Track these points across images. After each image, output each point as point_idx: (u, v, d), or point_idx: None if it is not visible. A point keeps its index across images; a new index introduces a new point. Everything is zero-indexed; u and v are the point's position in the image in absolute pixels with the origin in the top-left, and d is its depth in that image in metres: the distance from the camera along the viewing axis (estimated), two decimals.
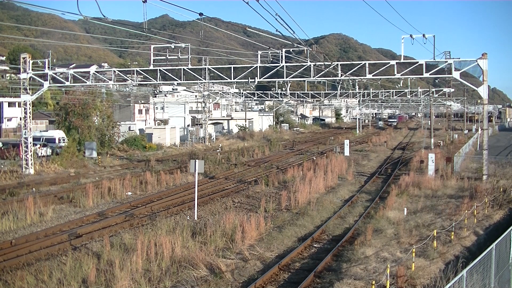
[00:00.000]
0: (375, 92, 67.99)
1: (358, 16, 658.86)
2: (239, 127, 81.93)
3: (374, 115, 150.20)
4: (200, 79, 34.66)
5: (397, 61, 31.35)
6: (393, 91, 66.44)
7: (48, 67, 37.10)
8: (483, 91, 29.56)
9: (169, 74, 33.67)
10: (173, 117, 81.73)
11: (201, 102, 67.05)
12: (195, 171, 21.99)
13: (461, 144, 49.42)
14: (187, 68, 33.74)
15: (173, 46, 33.05)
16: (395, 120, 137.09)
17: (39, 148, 42.76)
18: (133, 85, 63.21)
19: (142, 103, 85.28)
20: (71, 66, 73.95)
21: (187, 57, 32.95)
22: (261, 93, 72.86)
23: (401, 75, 31.89)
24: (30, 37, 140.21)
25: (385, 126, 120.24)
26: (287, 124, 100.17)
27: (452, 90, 67.51)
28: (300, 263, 16.21)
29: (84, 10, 16.94)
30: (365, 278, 13.94)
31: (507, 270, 13.31)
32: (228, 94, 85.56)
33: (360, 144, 63.52)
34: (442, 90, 66.10)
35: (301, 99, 79.21)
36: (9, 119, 74.37)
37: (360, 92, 67.22)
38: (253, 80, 33.01)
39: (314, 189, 27.50)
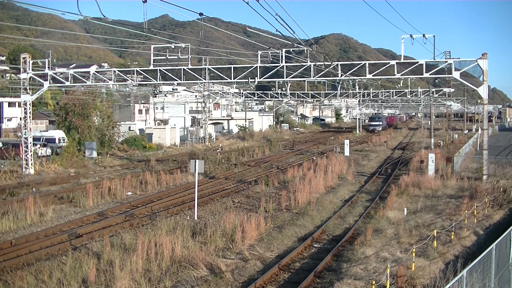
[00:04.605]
0: (375, 92, 68.06)
1: (358, 16, 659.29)
2: (239, 127, 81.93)
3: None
4: (200, 79, 34.68)
5: (397, 61, 31.35)
6: (393, 91, 66.53)
7: (48, 67, 37.11)
8: (483, 91, 29.56)
9: (169, 74, 33.68)
10: (173, 117, 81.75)
11: (201, 102, 67.06)
12: (195, 171, 21.99)
13: (461, 144, 49.41)
14: (187, 68, 33.74)
15: (173, 46, 33.06)
16: (380, 123, 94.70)
17: (39, 148, 42.77)
18: (133, 85, 63.23)
19: (142, 103, 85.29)
20: (71, 66, 73.93)
21: (187, 57, 32.96)
22: (261, 93, 72.89)
23: (401, 75, 31.90)
24: (30, 37, 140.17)
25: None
26: (287, 124, 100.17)
27: (452, 90, 67.57)
28: (300, 263, 16.21)
29: (84, 10, 16.96)
30: (365, 278, 13.94)
31: (507, 270, 13.31)
32: (228, 94, 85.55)
33: (360, 144, 63.51)
34: (442, 90, 66.17)
35: (301, 99, 79.24)
36: (9, 119, 74.37)
37: (360, 92, 67.29)
38: (253, 80, 33.02)
39: (314, 189, 27.51)
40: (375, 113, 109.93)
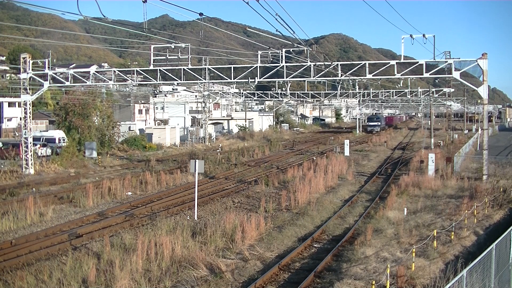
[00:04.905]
0: (375, 92, 68.06)
1: (358, 16, 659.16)
2: (239, 127, 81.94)
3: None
4: (200, 79, 34.68)
5: (397, 61, 31.35)
6: (393, 91, 66.53)
7: (48, 67, 37.11)
8: (483, 91, 29.56)
9: (169, 74, 33.68)
10: (173, 117, 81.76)
11: (201, 102, 67.07)
12: (195, 171, 21.99)
13: (461, 144, 49.41)
14: (187, 68, 33.75)
15: (173, 46, 33.06)
16: (378, 123, 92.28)
17: (39, 148, 42.76)
18: (133, 85, 63.26)
19: (142, 103, 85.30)
20: (71, 66, 73.96)
21: (187, 57, 32.96)
22: (261, 93, 72.89)
23: (401, 75, 31.90)
24: (30, 37, 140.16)
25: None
26: (287, 124, 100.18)
27: (452, 90, 67.59)
28: (300, 263, 16.21)
29: (84, 10, 16.97)
30: (365, 278, 13.94)
31: (507, 270, 13.31)
32: (228, 94, 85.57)
33: (360, 144, 63.52)
34: (442, 90, 66.17)
35: (301, 99, 79.25)
36: (9, 119, 74.38)
37: (360, 92, 67.28)
38: (253, 80, 33.02)
39: (314, 189, 27.51)
40: (374, 113, 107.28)
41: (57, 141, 45.02)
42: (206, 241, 17.21)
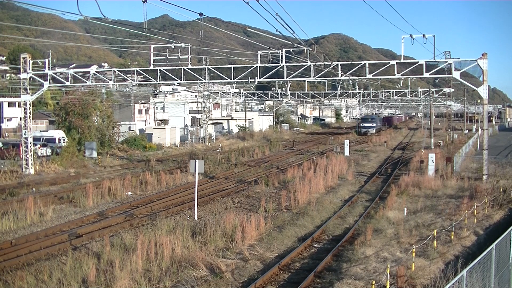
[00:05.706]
0: (375, 92, 68.06)
1: (358, 16, 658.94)
2: (239, 127, 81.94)
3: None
4: (200, 79, 34.69)
5: (397, 61, 31.36)
6: (393, 91, 66.53)
7: (48, 67, 37.12)
8: (483, 91, 29.56)
9: (169, 74, 33.69)
10: (173, 117, 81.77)
11: (201, 102, 67.08)
12: (195, 171, 22.00)
13: (461, 144, 49.42)
14: (187, 68, 33.75)
15: (173, 46, 33.07)
16: (373, 124, 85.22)
17: (39, 148, 42.77)
18: (133, 85, 63.25)
19: (142, 103, 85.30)
20: (71, 66, 73.94)
21: (187, 57, 32.97)
22: (261, 93, 72.89)
23: (401, 75, 31.90)
24: (30, 37, 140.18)
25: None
26: (287, 124, 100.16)
27: (452, 90, 67.56)
28: (300, 263, 16.21)
29: (84, 10, 16.96)
30: (365, 278, 13.94)
31: (507, 270, 13.31)
32: (228, 94, 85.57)
33: (360, 144, 63.53)
34: (442, 90, 66.15)
35: (301, 99, 79.24)
36: (9, 119, 74.37)
37: (360, 92, 67.26)
38: (253, 80, 33.03)
39: (314, 189, 27.51)
40: (372, 113, 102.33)
41: (57, 141, 45.03)
42: (206, 241, 17.21)
